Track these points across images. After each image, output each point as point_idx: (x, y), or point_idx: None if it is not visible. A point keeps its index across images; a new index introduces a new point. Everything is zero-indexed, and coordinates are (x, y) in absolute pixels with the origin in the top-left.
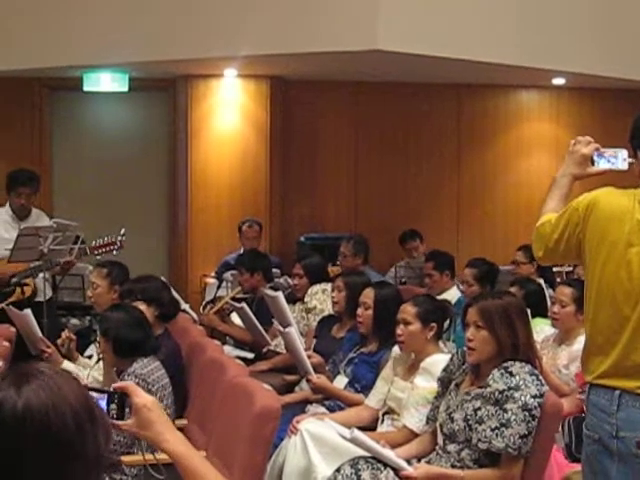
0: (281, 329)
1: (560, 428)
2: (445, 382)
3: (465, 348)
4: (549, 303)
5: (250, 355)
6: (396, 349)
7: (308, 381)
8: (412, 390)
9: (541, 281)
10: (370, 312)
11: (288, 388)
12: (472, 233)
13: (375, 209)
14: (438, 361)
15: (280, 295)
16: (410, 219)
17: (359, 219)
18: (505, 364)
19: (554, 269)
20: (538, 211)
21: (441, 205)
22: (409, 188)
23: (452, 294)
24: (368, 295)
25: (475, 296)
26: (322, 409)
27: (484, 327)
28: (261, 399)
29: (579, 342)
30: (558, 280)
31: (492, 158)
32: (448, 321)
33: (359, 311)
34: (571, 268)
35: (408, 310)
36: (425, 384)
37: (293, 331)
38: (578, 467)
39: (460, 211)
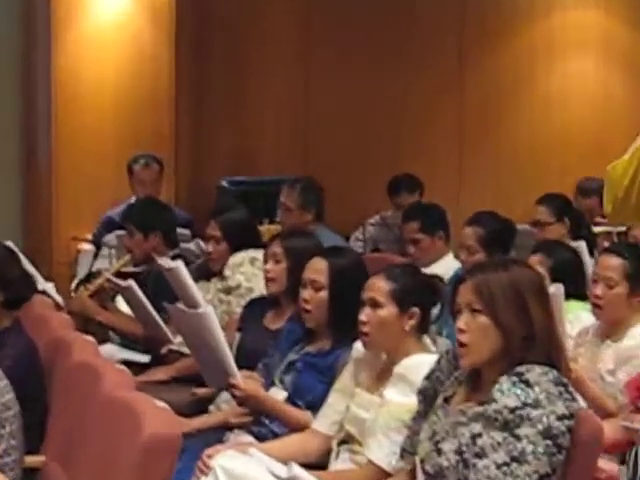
0: (185, 310)
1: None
2: (429, 396)
3: (457, 344)
4: (589, 280)
5: (145, 358)
6: (359, 347)
7: (230, 388)
8: (381, 408)
9: (581, 245)
10: (321, 294)
11: (200, 406)
12: (481, 179)
13: (334, 142)
14: (421, 364)
15: (180, 267)
16: (388, 158)
17: (310, 156)
18: (518, 369)
19: (596, 229)
20: (581, 144)
21: (436, 137)
22: (387, 111)
23: (447, 265)
24: (317, 268)
25: (470, 268)
26: (248, 438)
27: (483, 311)
28: (152, 423)
29: (632, 337)
30: (605, 245)
31: (510, 64)
32: (439, 306)
33: (305, 293)
34: (624, 228)
35: (378, 286)
36: (400, 398)
37: (209, 311)
38: None
39: (463, 146)
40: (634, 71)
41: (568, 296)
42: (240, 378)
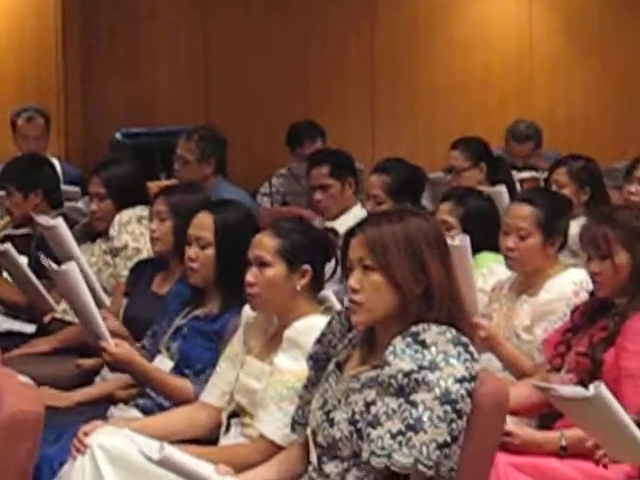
0: (54, 267)
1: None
2: (320, 361)
3: (348, 304)
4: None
5: (30, 328)
6: (249, 311)
7: (102, 352)
8: (272, 376)
9: (501, 190)
10: (208, 251)
11: (85, 378)
12: (395, 126)
13: (237, 90)
14: (313, 327)
15: (59, 225)
16: (295, 105)
17: (211, 105)
18: (413, 329)
19: (521, 174)
20: (503, 86)
21: (345, 83)
22: (292, 57)
23: (355, 217)
24: (203, 223)
25: (361, 220)
26: (133, 412)
27: (376, 268)
28: (12, 401)
29: (549, 290)
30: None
31: (425, 2)
32: (333, 262)
33: (190, 251)
34: (545, 174)
35: (265, 244)
36: (292, 365)
37: (73, 268)
38: None
39: (376, 92)
40: (558, 11)
41: (481, 248)
42: (111, 341)
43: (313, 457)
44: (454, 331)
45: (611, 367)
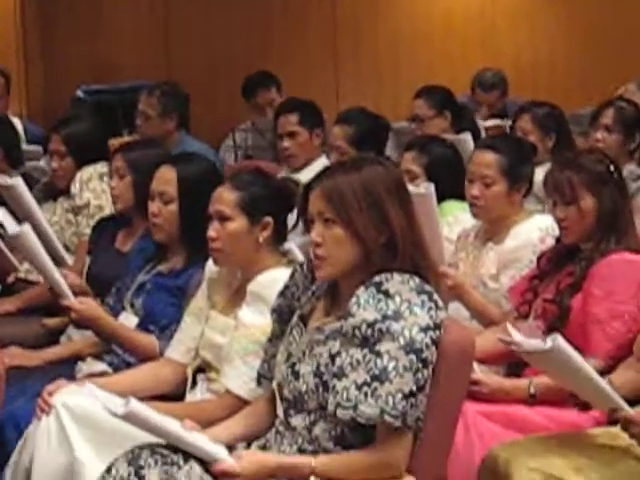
0: (13, 229)
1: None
2: (284, 314)
3: (312, 256)
4: None
5: None
6: (212, 265)
7: (67, 310)
8: (237, 331)
9: (466, 137)
10: (171, 206)
11: (51, 338)
12: (359, 76)
13: (199, 45)
14: (276, 280)
15: (17, 184)
16: (258, 60)
17: (173, 61)
18: (376, 278)
19: (487, 122)
20: (465, 35)
21: (308, 35)
22: (255, 7)
23: (319, 168)
24: (165, 178)
25: (318, 173)
26: (103, 366)
27: (336, 221)
28: None
29: (514, 237)
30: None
31: None
32: (298, 212)
33: (153, 206)
34: (510, 122)
35: (224, 198)
36: (256, 319)
37: (26, 230)
38: (511, 436)
39: (338, 42)
40: None
41: (446, 196)
42: (73, 299)
43: (280, 411)
44: (417, 279)
45: (578, 313)
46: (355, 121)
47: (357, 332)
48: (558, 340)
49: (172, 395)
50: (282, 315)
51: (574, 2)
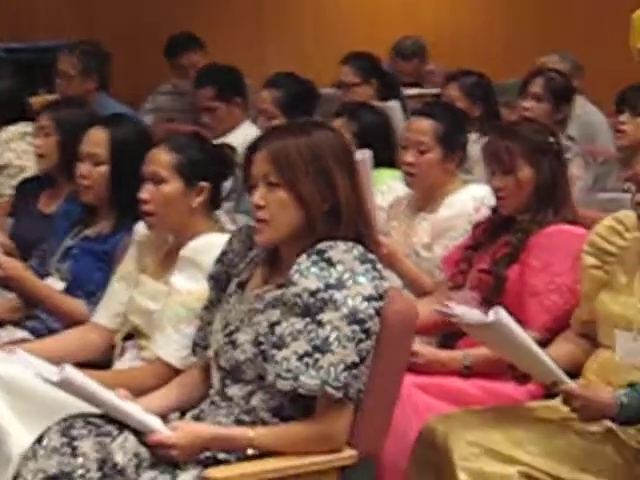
0: None
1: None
2: (221, 281)
3: (254, 222)
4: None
5: None
6: (141, 229)
7: None
8: (169, 297)
9: (394, 106)
10: (101, 168)
11: None
12: (283, 45)
13: (122, 4)
14: (211, 246)
15: None
16: (181, 20)
17: (94, 19)
18: (319, 246)
19: (409, 91)
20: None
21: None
22: None
23: (244, 133)
24: (96, 139)
25: (264, 133)
26: (23, 333)
27: (281, 184)
28: None
29: (449, 206)
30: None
31: None
32: (231, 180)
33: (82, 167)
34: (438, 90)
35: (160, 159)
36: (190, 285)
37: None
38: (446, 408)
39: (264, 12)
40: None
41: (378, 164)
42: (1, 256)
43: (215, 380)
44: (361, 248)
45: (515, 284)
46: (284, 85)
47: (298, 301)
48: (500, 313)
49: (99, 362)
50: (219, 282)
51: None
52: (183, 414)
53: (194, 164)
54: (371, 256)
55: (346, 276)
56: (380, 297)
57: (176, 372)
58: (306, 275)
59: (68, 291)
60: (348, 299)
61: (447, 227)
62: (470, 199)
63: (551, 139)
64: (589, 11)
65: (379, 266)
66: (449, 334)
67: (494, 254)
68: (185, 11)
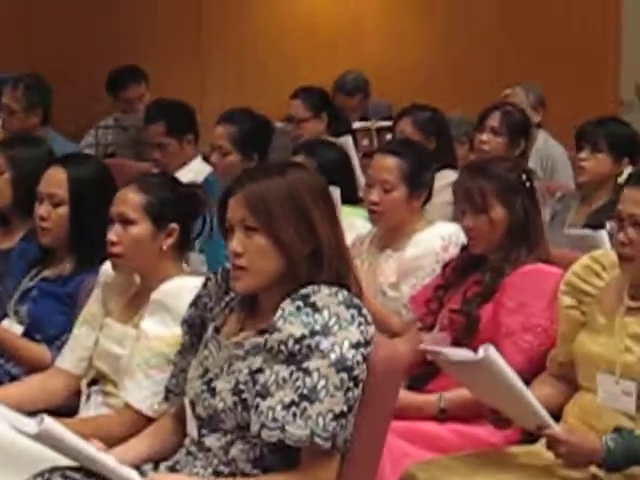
0: None
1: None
2: (196, 326)
3: (230, 266)
4: (361, 181)
5: None
6: (107, 270)
7: None
8: (138, 341)
9: (347, 140)
10: (61, 209)
11: None
12: (223, 76)
13: (61, 35)
14: (182, 289)
15: None
16: (120, 52)
17: (34, 51)
18: (303, 291)
19: (356, 124)
20: (330, 34)
21: (171, 27)
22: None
23: (196, 170)
24: (55, 179)
25: (239, 177)
26: None
27: (259, 229)
28: None
29: (416, 245)
30: (365, 143)
31: None
32: (202, 221)
33: (41, 209)
34: (390, 123)
35: (129, 199)
36: (160, 330)
37: None
38: (422, 454)
39: (203, 40)
40: None
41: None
42: None
43: (192, 430)
44: (346, 292)
45: (488, 324)
46: (238, 121)
47: (283, 348)
48: (490, 350)
49: (63, 410)
50: (193, 327)
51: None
52: (156, 464)
53: (164, 205)
54: (356, 301)
55: (332, 322)
56: (367, 343)
57: (146, 420)
58: (291, 321)
59: (26, 334)
60: (335, 346)
61: (415, 266)
62: (437, 237)
63: (524, 177)
64: (541, 44)
65: (365, 311)
66: (418, 376)
67: (465, 293)
68: (122, 43)
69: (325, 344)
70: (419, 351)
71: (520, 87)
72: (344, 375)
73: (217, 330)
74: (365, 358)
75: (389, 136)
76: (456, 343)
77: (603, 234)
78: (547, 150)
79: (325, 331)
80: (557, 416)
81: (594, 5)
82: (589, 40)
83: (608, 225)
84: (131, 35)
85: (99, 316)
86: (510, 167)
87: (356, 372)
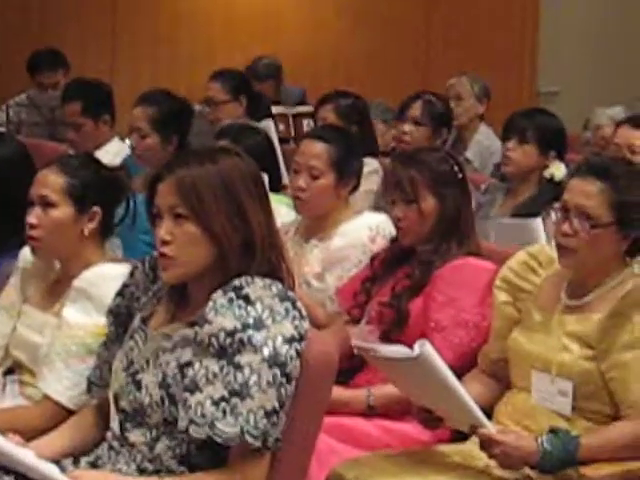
0: None
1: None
2: (122, 316)
3: (156, 254)
4: (283, 170)
5: None
6: (26, 255)
7: None
8: (59, 330)
9: (268, 125)
10: None
11: None
12: (137, 56)
13: None
14: (105, 276)
15: None
16: (32, 28)
17: None
18: (235, 282)
19: (274, 109)
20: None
21: (86, 8)
22: None
23: (113, 151)
24: None
25: (169, 162)
26: None
27: (189, 217)
28: None
29: (342, 235)
30: (281, 128)
31: None
32: (126, 204)
33: None
34: (306, 108)
35: (51, 181)
36: (83, 319)
37: None
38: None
39: (117, 20)
40: None
41: None
42: None
43: (115, 423)
44: (280, 285)
45: (417, 318)
46: (157, 102)
47: (214, 341)
48: (426, 347)
49: None
50: (119, 317)
51: None
52: (76, 459)
53: (87, 188)
54: (290, 294)
55: (265, 315)
56: (301, 338)
57: (66, 412)
58: (222, 313)
59: None
60: (268, 340)
61: (340, 257)
62: (365, 228)
63: (456, 168)
64: (460, 35)
65: (299, 305)
66: (343, 370)
67: (394, 286)
68: (34, 19)
69: (258, 338)
70: (345, 344)
71: (465, 77)
72: (277, 371)
73: (144, 321)
74: (299, 353)
75: (306, 122)
76: (384, 337)
77: (538, 222)
78: (486, 141)
79: (258, 325)
80: (488, 414)
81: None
82: (508, 31)
83: (553, 214)
84: (43, 12)
85: (17, 303)
86: (442, 158)
87: (289, 368)
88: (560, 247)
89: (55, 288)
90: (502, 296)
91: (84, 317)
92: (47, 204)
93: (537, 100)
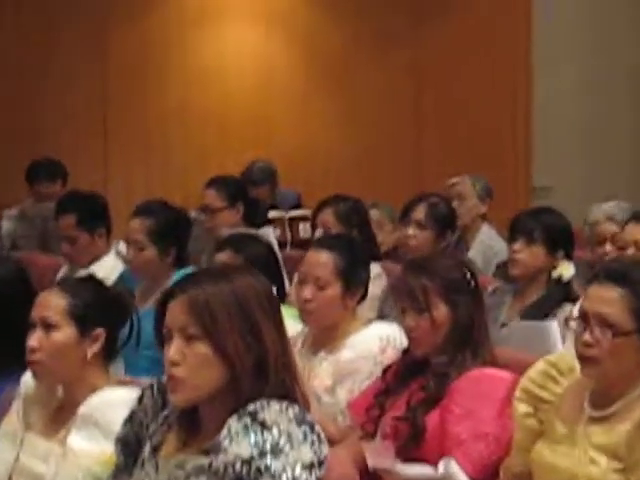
0: None
1: None
2: (131, 444)
3: (165, 378)
4: (286, 281)
5: None
6: (28, 381)
7: None
8: (64, 459)
9: (267, 232)
10: None
11: None
12: (128, 164)
13: None
14: (112, 402)
15: None
16: (24, 137)
17: None
18: (250, 407)
19: (269, 214)
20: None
21: (76, 113)
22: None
23: (108, 266)
24: None
25: (181, 280)
26: None
27: (202, 338)
28: None
29: (351, 347)
30: (277, 233)
31: (158, 33)
32: (130, 324)
33: None
34: (302, 212)
35: (52, 303)
36: (89, 446)
37: None
38: None
39: (108, 127)
40: (297, 40)
41: None
42: None
43: None
44: (297, 408)
45: (434, 432)
46: (154, 214)
47: (230, 470)
48: (451, 465)
49: None
50: (128, 446)
51: (351, 92)
52: None
53: (89, 309)
54: (309, 417)
55: (283, 441)
56: (320, 464)
57: None
58: (237, 441)
59: None
60: (287, 467)
61: (351, 370)
62: (375, 338)
63: (468, 276)
64: (455, 138)
65: (318, 428)
66: None
67: (409, 400)
68: (26, 128)
69: (275, 466)
70: (359, 459)
71: (467, 177)
72: None
73: (155, 449)
74: None
75: (301, 226)
76: (400, 453)
77: (554, 325)
78: (489, 242)
79: (275, 451)
80: None
81: (505, 95)
82: (501, 129)
83: (571, 323)
84: (35, 121)
85: (20, 431)
86: (454, 265)
87: None
88: (582, 358)
89: (59, 414)
90: (522, 407)
91: (91, 444)
92: (48, 326)
93: (531, 195)
